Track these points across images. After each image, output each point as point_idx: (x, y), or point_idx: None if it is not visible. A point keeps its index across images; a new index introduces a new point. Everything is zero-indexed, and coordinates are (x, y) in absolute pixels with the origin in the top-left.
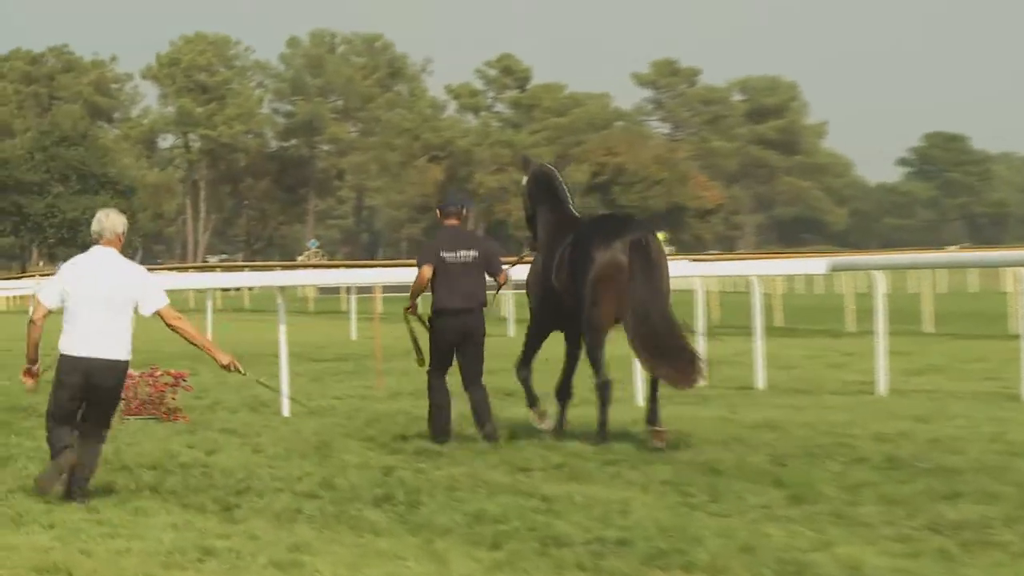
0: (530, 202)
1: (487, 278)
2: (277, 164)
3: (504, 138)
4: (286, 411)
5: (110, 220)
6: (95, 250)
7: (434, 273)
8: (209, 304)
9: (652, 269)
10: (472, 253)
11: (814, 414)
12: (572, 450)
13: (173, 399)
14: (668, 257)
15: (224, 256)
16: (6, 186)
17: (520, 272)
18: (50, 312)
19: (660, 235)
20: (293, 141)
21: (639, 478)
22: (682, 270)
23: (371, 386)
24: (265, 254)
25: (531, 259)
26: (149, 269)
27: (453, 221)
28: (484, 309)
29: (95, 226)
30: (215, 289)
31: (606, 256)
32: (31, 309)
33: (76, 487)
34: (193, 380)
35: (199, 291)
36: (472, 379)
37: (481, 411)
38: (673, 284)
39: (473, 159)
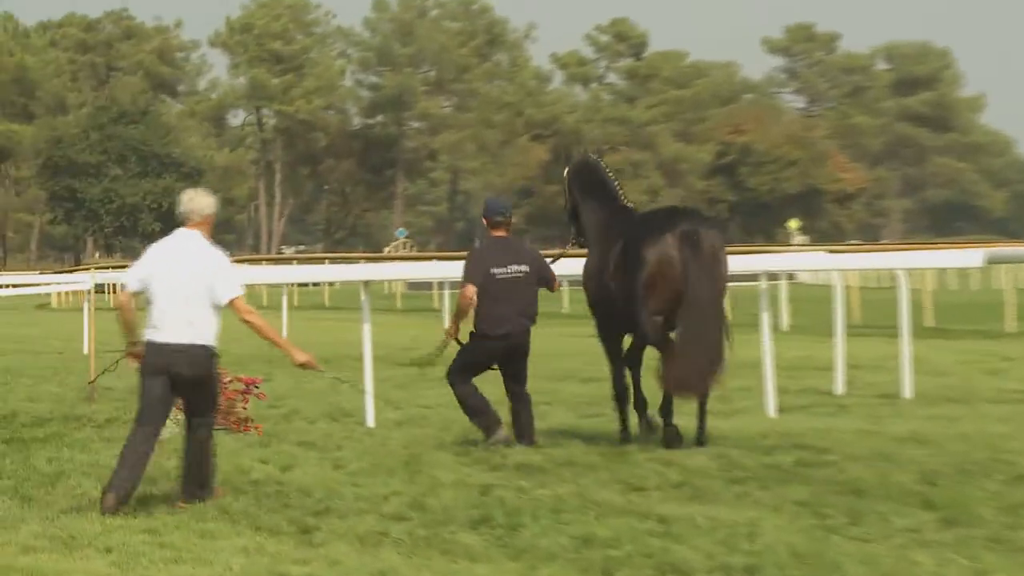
0: (572, 196)
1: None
2: (361, 143)
3: (617, 113)
4: (371, 421)
5: (196, 201)
6: (179, 232)
7: (480, 291)
8: (284, 301)
9: (705, 265)
10: (523, 268)
11: (968, 426)
12: (693, 466)
13: (244, 408)
14: (802, 248)
15: (301, 247)
16: (58, 168)
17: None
18: (135, 295)
19: (793, 223)
20: (379, 117)
21: (769, 498)
22: (818, 262)
23: None
24: (347, 244)
25: (572, 255)
26: None
27: (502, 232)
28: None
29: (181, 207)
30: (291, 284)
31: (656, 252)
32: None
33: (190, 490)
34: (266, 387)
35: (273, 286)
36: (517, 388)
37: (524, 423)
38: (810, 277)
39: (582, 137)
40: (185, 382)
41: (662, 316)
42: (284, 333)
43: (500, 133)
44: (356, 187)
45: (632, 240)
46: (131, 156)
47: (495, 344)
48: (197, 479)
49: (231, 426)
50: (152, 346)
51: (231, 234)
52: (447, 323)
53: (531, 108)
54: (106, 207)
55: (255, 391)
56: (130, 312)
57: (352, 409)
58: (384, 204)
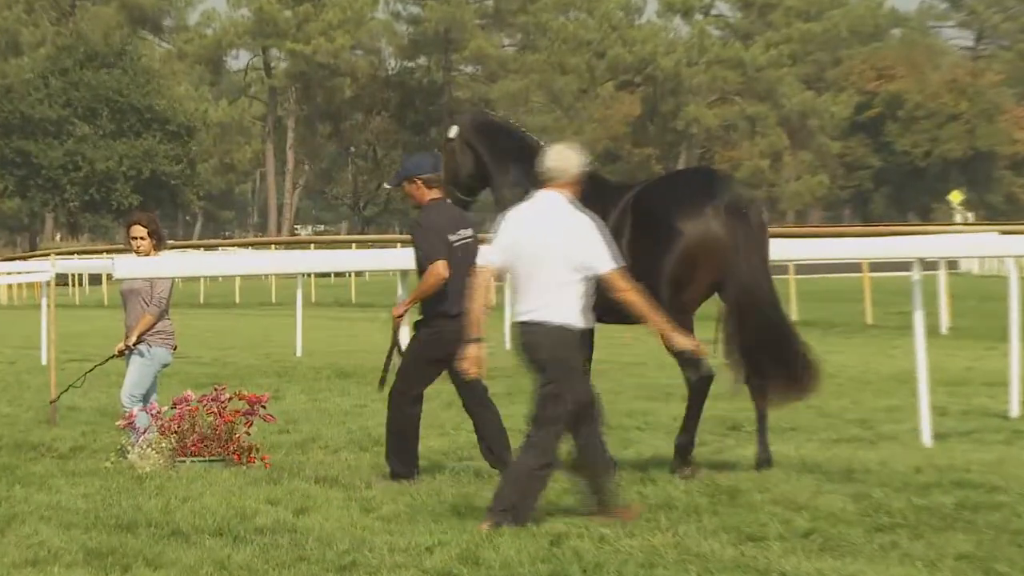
0: (480, 164)
1: None
2: (399, 93)
3: (728, 54)
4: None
5: (565, 159)
6: (539, 195)
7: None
8: (299, 296)
9: (760, 245)
10: (470, 232)
11: None
12: (825, 509)
13: (247, 433)
14: (967, 228)
15: (321, 227)
16: (8, 126)
17: None
18: (497, 271)
19: (954, 195)
20: (421, 60)
21: (924, 551)
22: (988, 247)
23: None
24: (380, 224)
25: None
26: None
27: (437, 193)
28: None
29: (545, 163)
30: (308, 275)
31: (698, 227)
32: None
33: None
34: (276, 406)
35: (285, 278)
36: (477, 397)
37: (493, 435)
38: (977, 266)
39: (682, 85)
40: (538, 366)
41: (693, 299)
42: (298, 340)
43: (577, 80)
44: (391, 150)
45: (647, 214)
46: (102, 110)
47: (454, 329)
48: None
49: (231, 456)
50: (514, 325)
51: (229, 209)
52: (395, 309)
53: (616, 48)
54: (70, 175)
55: (261, 412)
56: (483, 293)
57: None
58: None
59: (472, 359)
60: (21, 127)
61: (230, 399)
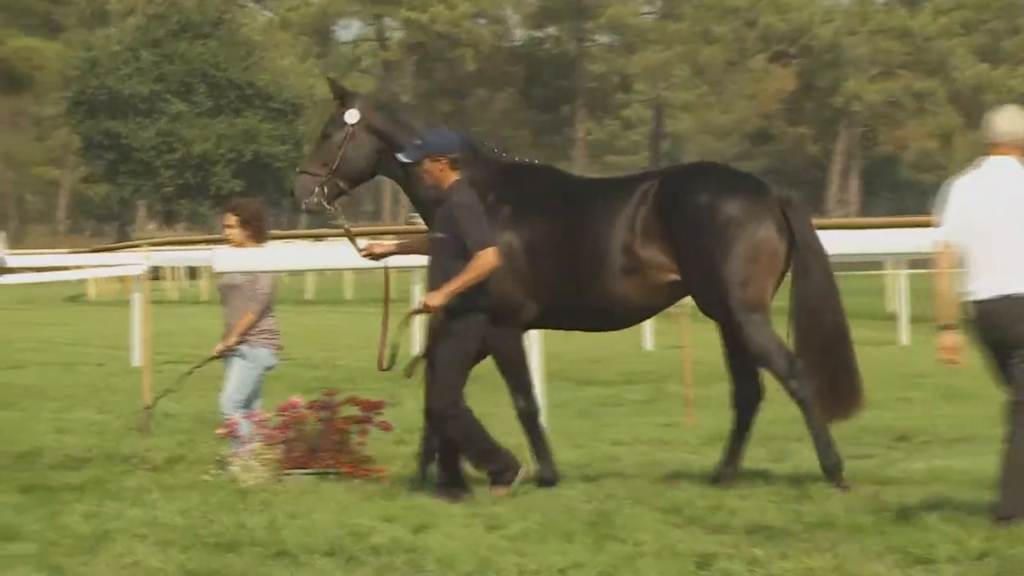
0: (379, 151)
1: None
2: (525, 67)
3: (893, 22)
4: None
5: (1015, 122)
6: (988, 162)
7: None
8: (416, 292)
9: (818, 246)
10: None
11: None
12: (1002, 529)
13: (362, 444)
14: None
15: None
16: (95, 103)
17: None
18: (953, 248)
19: None
20: (551, 29)
21: None
22: None
23: (675, 424)
24: None
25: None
26: (309, 238)
27: (458, 176)
28: None
29: (993, 128)
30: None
31: (759, 232)
32: None
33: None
34: (393, 413)
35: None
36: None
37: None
38: None
39: (842, 57)
40: (1007, 345)
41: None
42: (415, 340)
43: (724, 51)
44: (519, 129)
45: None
46: (198, 85)
47: (484, 321)
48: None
49: (343, 469)
50: (973, 306)
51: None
52: (433, 297)
53: (768, 15)
54: (163, 158)
55: (377, 419)
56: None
57: (514, 445)
58: (559, 153)
59: (951, 347)
60: (109, 105)
61: (342, 405)
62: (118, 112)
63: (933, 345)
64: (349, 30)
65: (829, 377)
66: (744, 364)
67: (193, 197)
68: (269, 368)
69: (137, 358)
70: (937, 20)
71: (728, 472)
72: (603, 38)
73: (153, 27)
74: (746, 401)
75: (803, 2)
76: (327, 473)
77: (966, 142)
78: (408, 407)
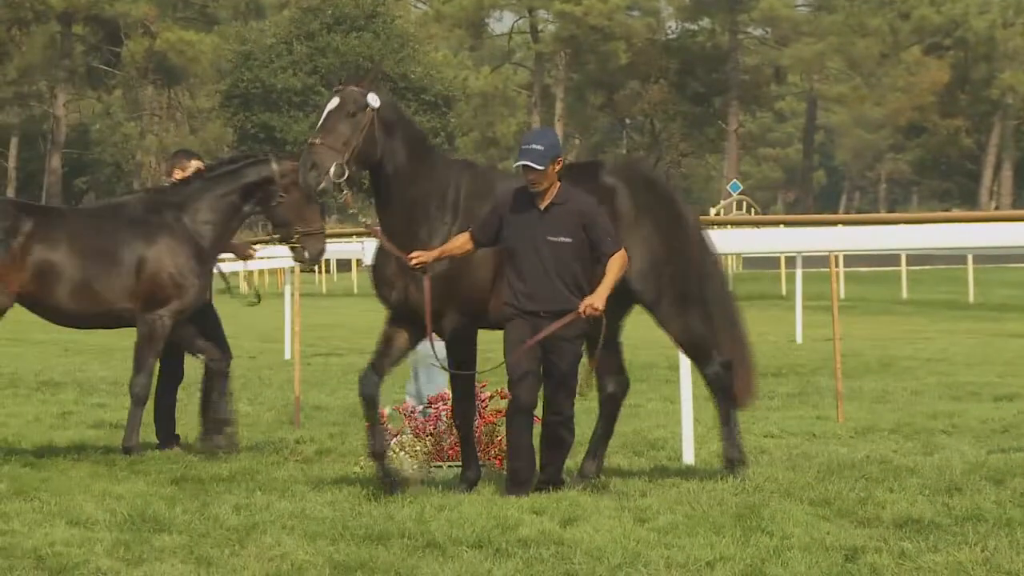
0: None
1: None
2: (678, 60)
3: None
4: (689, 455)
5: None
6: None
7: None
8: None
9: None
10: None
11: None
12: None
13: None
14: None
15: None
16: (249, 96)
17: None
18: None
19: None
20: (704, 22)
21: None
22: None
23: (827, 417)
24: None
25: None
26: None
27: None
28: None
29: None
30: None
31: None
32: None
33: None
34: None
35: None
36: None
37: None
38: None
39: (997, 50)
40: None
41: None
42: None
43: (878, 44)
44: (671, 121)
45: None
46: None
47: None
48: None
49: (492, 461)
50: None
51: None
52: (598, 299)
53: (923, 7)
54: None
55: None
56: None
57: (662, 438)
58: (711, 146)
59: None
60: (263, 98)
61: (491, 397)
62: (271, 105)
63: None
64: (502, 23)
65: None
66: (613, 357)
67: (347, 189)
68: None
69: (288, 351)
70: None
71: (591, 468)
72: (756, 31)
73: (307, 20)
74: (613, 396)
75: None
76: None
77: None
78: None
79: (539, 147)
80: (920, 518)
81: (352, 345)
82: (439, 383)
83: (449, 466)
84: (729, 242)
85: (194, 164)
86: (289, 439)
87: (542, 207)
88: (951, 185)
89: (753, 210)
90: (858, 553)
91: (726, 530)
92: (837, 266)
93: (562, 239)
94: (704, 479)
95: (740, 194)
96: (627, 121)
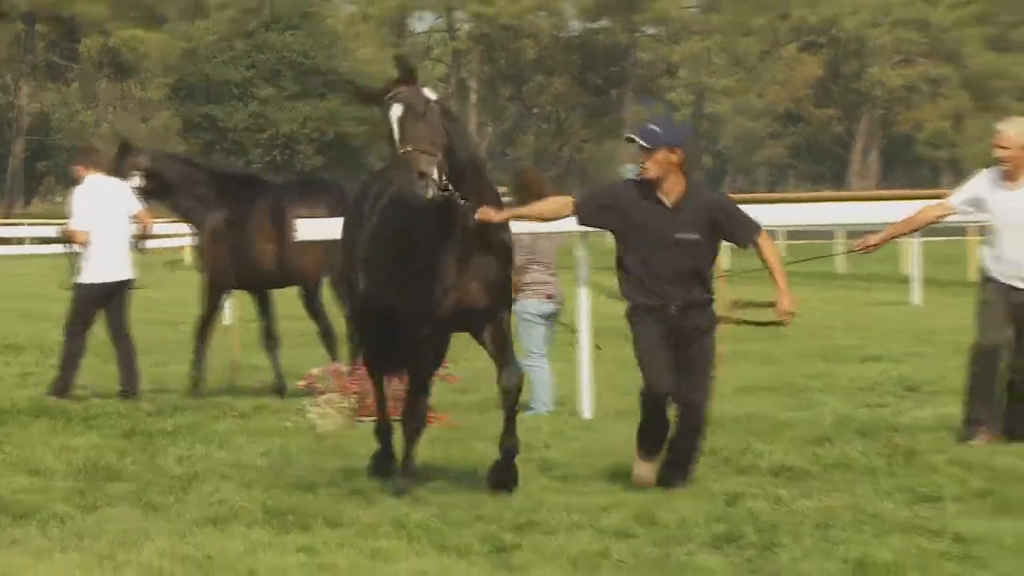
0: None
1: None
2: (581, 55)
3: (913, 15)
4: (588, 411)
5: None
6: None
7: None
8: None
9: None
10: None
11: None
12: (1002, 469)
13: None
14: None
15: (501, 189)
16: (194, 88)
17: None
18: None
19: None
20: (603, 22)
21: None
22: None
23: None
24: (561, 184)
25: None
26: None
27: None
28: None
29: None
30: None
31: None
32: None
33: None
34: (459, 368)
35: None
36: None
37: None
38: None
39: (866, 47)
40: None
41: None
42: None
43: (760, 42)
44: (573, 111)
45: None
46: (286, 72)
47: None
48: None
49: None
50: None
51: None
52: (789, 300)
53: (800, 8)
54: (254, 137)
55: (443, 373)
56: None
57: (564, 396)
58: (609, 133)
59: None
60: (206, 90)
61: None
62: (214, 96)
63: (945, 304)
64: (422, 22)
65: None
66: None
67: (280, 172)
68: (544, 315)
69: (229, 316)
70: (952, 13)
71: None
72: (650, 29)
73: (246, 19)
74: None
75: None
76: (396, 420)
77: (976, 123)
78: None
79: (655, 128)
80: (794, 467)
81: (282, 312)
82: (536, 338)
83: (371, 421)
84: None
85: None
86: (228, 397)
87: (669, 204)
88: (824, 169)
89: None
90: (738, 499)
91: (621, 478)
92: None
93: (692, 236)
94: (603, 432)
95: (635, 177)
96: (534, 111)
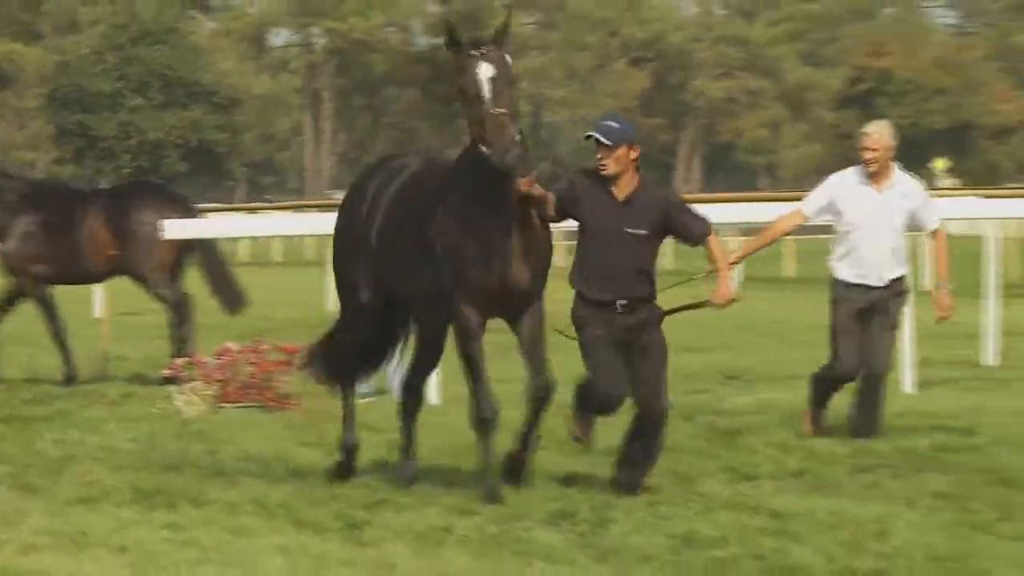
0: None
1: None
2: (428, 68)
3: (732, 32)
4: (435, 397)
5: None
6: None
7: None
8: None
9: None
10: None
11: None
12: (816, 452)
13: (285, 382)
14: (950, 192)
15: None
16: (67, 98)
17: None
18: None
19: (939, 163)
20: None
21: (903, 489)
22: (969, 209)
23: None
24: None
25: None
26: (229, 208)
27: None
28: None
29: None
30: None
31: None
32: None
33: None
34: None
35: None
36: None
37: None
38: (960, 228)
39: (689, 61)
40: None
41: None
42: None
43: (593, 56)
44: (421, 120)
45: None
46: (153, 83)
47: None
48: None
49: (268, 403)
50: None
51: (271, 176)
52: (725, 294)
53: (630, 26)
54: (123, 144)
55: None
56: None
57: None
58: (455, 140)
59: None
60: (79, 100)
61: (269, 350)
62: (86, 106)
63: (763, 299)
64: (280, 37)
65: None
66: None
67: (146, 177)
68: None
69: (98, 310)
70: (769, 30)
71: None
72: None
73: (116, 34)
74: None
75: (659, 15)
76: (255, 406)
77: (792, 131)
78: None
79: (614, 124)
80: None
81: (146, 306)
82: None
83: (235, 407)
84: None
85: None
86: (98, 385)
87: (621, 199)
88: (653, 174)
89: None
90: (574, 479)
91: (464, 459)
92: None
93: (641, 232)
94: (448, 417)
95: None
96: (385, 120)
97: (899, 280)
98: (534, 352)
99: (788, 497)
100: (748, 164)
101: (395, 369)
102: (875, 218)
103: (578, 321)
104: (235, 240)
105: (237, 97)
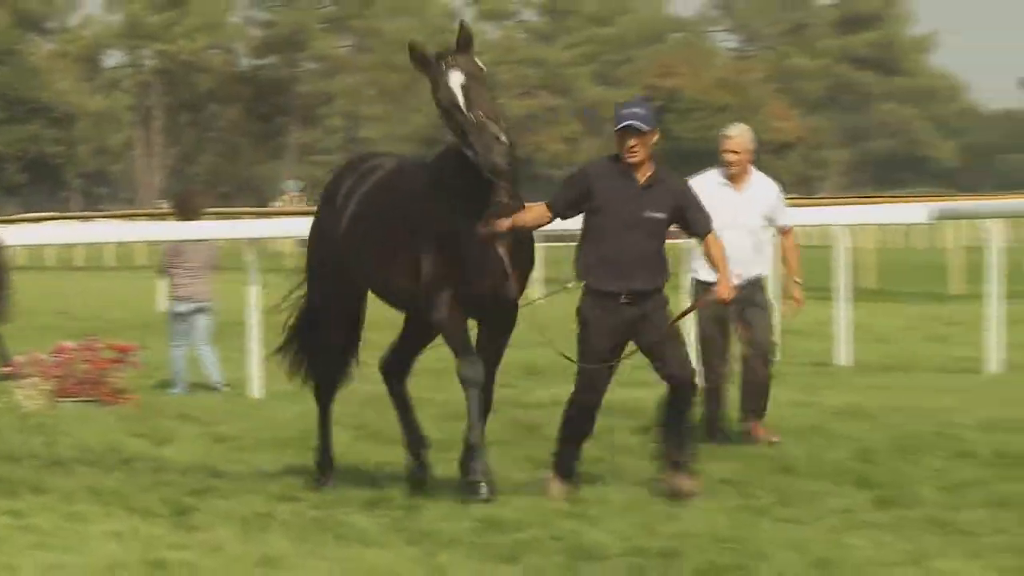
0: None
1: None
2: (250, 87)
3: (532, 55)
4: (257, 392)
5: None
6: None
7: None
8: None
9: None
10: None
11: (909, 398)
12: (613, 442)
13: (119, 378)
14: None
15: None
16: None
17: None
18: None
19: None
20: (270, 59)
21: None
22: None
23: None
24: (234, 199)
25: None
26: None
27: None
28: None
29: None
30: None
31: None
32: None
33: None
34: (142, 355)
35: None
36: None
37: None
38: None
39: (493, 81)
40: None
41: None
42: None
43: (404, 77)
44: (244, 136)
45: None
46: None
47: None
48: None
49: (103, 398)
50: None
51: (104, 187)
52: (728, 290)
53: (439, 48)
54: None
55: (130, 359)
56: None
57: (236, 380)
58: (275, 155)
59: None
60: None
61: (102, 349)
62: None
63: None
64: (113, 58)
65: None
66: None
67: None
68: (182, 312)
69: None
70: (567, 51)
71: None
72: (311, 65)
73: None
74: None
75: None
76: (91, 401)
77: (587, 145)
78: (154, 350)
79: (642, 111)
80: (433, 439)
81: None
82: (177, 331)
83: (71, 402)
84: (287, 228)
85: None
86: None
87: (642, 182)
88: None
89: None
90: (387, 467)
91: (286, 448)
92: None
93: (659, 215)
94: (271, 410)
95: (299, 192)
96: (210, 135)
97: (759, 277)
98: (488, 363)
99: (586, 484)
100: (548, 176)
101: (213, 362)
102: (737, 219)
103: (583, 320)
104: (70, 246)
105: (73, 113)
